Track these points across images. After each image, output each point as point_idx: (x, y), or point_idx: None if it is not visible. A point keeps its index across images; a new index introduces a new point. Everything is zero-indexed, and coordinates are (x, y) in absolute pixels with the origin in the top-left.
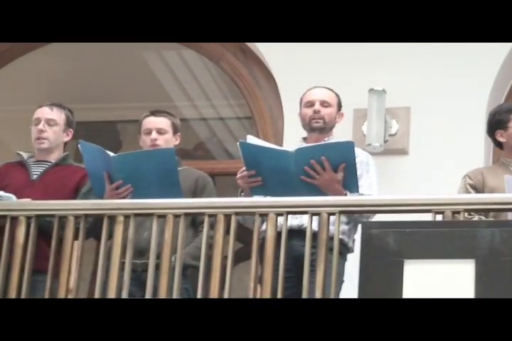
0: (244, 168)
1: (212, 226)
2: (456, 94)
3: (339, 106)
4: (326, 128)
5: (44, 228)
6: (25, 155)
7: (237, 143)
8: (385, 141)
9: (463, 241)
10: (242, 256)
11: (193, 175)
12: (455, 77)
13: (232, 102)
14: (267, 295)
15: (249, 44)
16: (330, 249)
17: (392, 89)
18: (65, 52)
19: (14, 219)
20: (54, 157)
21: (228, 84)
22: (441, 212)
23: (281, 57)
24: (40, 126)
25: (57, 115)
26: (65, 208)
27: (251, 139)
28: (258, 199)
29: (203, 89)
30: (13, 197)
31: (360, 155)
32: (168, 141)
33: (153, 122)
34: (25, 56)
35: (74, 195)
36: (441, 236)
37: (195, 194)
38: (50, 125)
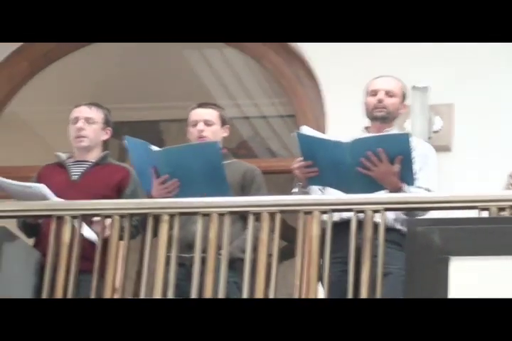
0: (300, 159)
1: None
2: (499, 91)
3: (404, 97)
4: (389, 118)
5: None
6: (63, 156)
7: (294, 133)
8: (429, 138)
9: (509, 237)
10: (286, 253)
11: (241, 169)
12: (499, 73)
13: (275, 100)
14: (312, 293)
15: (296, 49)
16: (391, 242)
17: (435, 85)
18: (108, 52)
19: (60, 219)
20: (93, 156)
21: (270, 83)
22: (487, 209)
23: (323, 55)
24: (79, 124)
25: (96, 113)
26: (110, 207)
27: (307, 130)
28: (302, 197)
29: (245, 88)
30: (41, 187)
31: (422, 147)
32: (216, 132)
33: (200, 114)
34: (68, 56)
35: (116, 194)
36: (487, 233)
37: (243, 187)
38: (89, 123)
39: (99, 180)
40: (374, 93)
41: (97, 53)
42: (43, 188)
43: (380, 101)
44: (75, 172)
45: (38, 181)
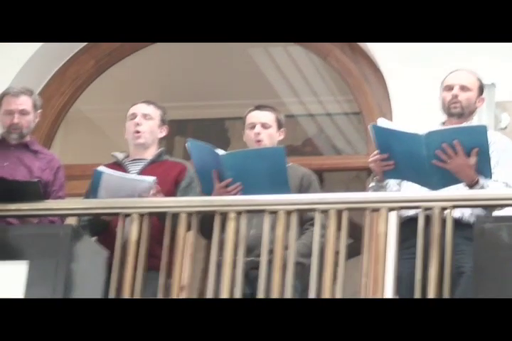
0: (376, 152)
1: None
2: None
3: (480, 90)
4: (465, 114)
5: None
6: (120, 155)
7: (369, 126)
8: (496, 129)
9: None
10: (351, 251)
11: (298, 173)
12: None
13: (340, 98)
14: (379, 291)
15: (360, 45)
16: (466, 238)
17: (502, 82)
18: (173, 51)
19: (127, 217)
20: (149, 154)
21: (336, 80)
22: None
23: (389, 52)
24: (137, 120)
25: (153, 110)
26: (177, 205)
27: (382, 122)
28: (370, 195)
29: (310, 85)
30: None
31: (500, 141)
32: (272, 135)
33: (257, 116)
34: (133, 55)
35: (174, 190)
36: None
37: (300, 191)
38: (146, 119)
39: (157, 176)
40: (448, 88)
41: (161, 52)
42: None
43: (454, 96)
44: (133, 170)
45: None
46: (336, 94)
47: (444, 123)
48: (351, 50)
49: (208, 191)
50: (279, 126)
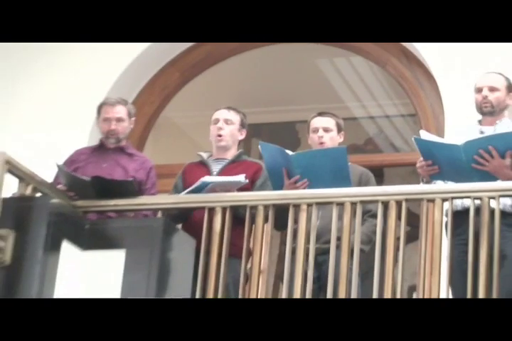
0: (421, 159)
1: (375, 215)
2: None
3: (509, 89)
4: (496, 111)
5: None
6: (204, 155)
7: (412, 138)
8: None
9: None
10: (410, 237)
11: (357, 171)
12: None
13: (397, 101)
14: (436, 271)
15: (411, 48)
16: (507, 225)
17: None
18: (248, 64)
19: (211, 210)
20: (230, 154)
21: (393, 86)
22: None
23: (441, 60)
24: (220, 124)
25: (234, 116)
26: (255, 199)
27: (424, 134)
28: (426, 187)
29: (370, 91)
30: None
31: None
32: (333, 138)
33: (320, 121)
34: (213, 67)
35: (251, 185)
36: None
37: (360, 186)
38: (228, 124)
39: (236, 174)
40: (479, 90)
41: (237, 65)
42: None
43: (484, 97)
44: (215, 168)
45: (183, 176)
46: (393, 98)
47: (480, 121)
48: (406, 58)
49: (277, 187)
50: (339, 129)
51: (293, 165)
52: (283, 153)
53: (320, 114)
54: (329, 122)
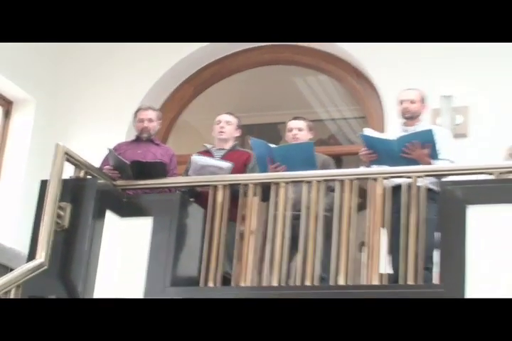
0: (364, 149)
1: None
2: (498, 96)
3: (423, 101)
4: (413, 117)
5: (234, 193)
6: (209, 145)
7: (359, 134)
8: (452, 129)
9: (507, 192)
10: (360, 207)
11: (321, 158)
12: (497, 87)
13: (351, 108)
14: (378, 231)
15: (361, 68)
16: (429, 198)
17: (457, 93)
18: (241, 81)
19: (215, 187)
20: (228, 145)
21: (348, 96)
22: (491, 173)
23: (383, 77)
24: (222, 124)
25: (232, 119)
26: (247, 179)
27: (368, 131)
28: (371, 169)
29: (331, 100)
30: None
31: (442, 132)
32: (305, 135)
33: (294, 123)
34: (217, 83)
35: (243, 168)
36: (493, 189)
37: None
38: (228, 124)
39: (233, 160)
40: (402, 102)
41: (238, 80)
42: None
43: (405, 108)
44: (217, 155)
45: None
46: (348, 105)
47: (403, 123)
48: (357, 75)
49: (264, 170)
50: (309, 129)
51: (274, 155)
52: (267, 146)
53: (295, 118)
54: (301, 124)
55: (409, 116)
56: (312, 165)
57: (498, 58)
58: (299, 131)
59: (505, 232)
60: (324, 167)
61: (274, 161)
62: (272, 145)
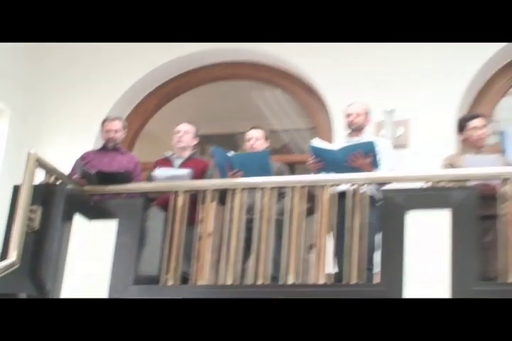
0: (312, 158)
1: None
2: (437, 111)
3: (367, 115)
4: (358, 129)
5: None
6: (169, 153)
7: (308, 145)
8: (394, 139)
9: (440, 198)
10: (309, 211)
11: (276, 166)
12: (436, 102)
13: (303, 120)
14: (326, 234)
15: (312, 84)
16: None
17: (399, 108)
18: (209, 92)
19: (176, 193)
20: (186, 153)
21: (300, 109)
22: (429, 182)
23: (332, 92)
24: (180, 133)
25: (190, 128)
26: (206, 185)
27: (315, 142)
28: (319, 176)
29: (285, 112)
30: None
31: (382, 144)
32: (262, 144)
33: (252, 133)
34: (183, 94)
35: (201, 175)
36: (429, 196)
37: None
38: (186, 133)
39: (191, 167)
40: (349, 115)
41: (199, 93)
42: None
43: (352, 120)
44: (176, 163)
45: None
46: (300, 117)
47: (349, 134)
48: (308, 91)
49: (224, 176)
50: (266, 138)
51: (233, 162)
52: (226, 154)
53: (253, 128)
54: (258, 133)
55: (355, 128)
56: (267, 172)
57: (436, 76)
58: (256, 141)
59: (440, 235)
60: (279, 174)
61: (233, 168)
62: (231, 153)
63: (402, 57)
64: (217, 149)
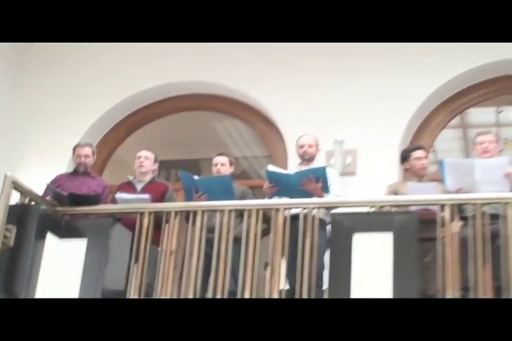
0: (267, 182)
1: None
2: (382, 142)
3: (317, 145)
4: (309, 159)
5: (157, 218)
6: (131, 177)
7: (264, 169)
8: (343, 167)
9: (384, 222)
10: (264, 232)
11: (240, 189)
12: (381, 134)
13: (260, 148)
14: (280, 253)
15: (269, 116)
16: (319, 226)
17: (348, 139)
18: (175, 121)
19: (142, 214)
20: (148, 177)
21: (258, 138)
22: (374, 206)
23: (287, 124)
24: (141, 159)
25: (150, 154)
26: (169, 207)
27: (271, 167)
28: (274, 200)
29: (244, 141)
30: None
31: (332, 172)
32: (227, 169)
33: (218, 159)
34: (150, 124)
35: (161, 198)
36: (373, 221)
37: (241, 199)
38: (147, 159)
39: (152, 190)
40: (301, 146)
41: (165, 122)
42: (147, 198)
43: (304, 151)
44: (138, 186)
45: (118, 191)
46: (258, 145)
47: (300, 163)
48: (266, 122)
49: (190, 199)
50: (231, 163)
51: (198, 186)
52: (192, 178)
53: (219, 154)
54: (224, 159)
55: (308, 158)
56: (230, 195)
57: (383, 111)
58: (222, 166)
59: (384, 256)
60: (243, 196)
61: (198, 191)
62: (196, 177)
63: (351, 93)
64: (184, 173)
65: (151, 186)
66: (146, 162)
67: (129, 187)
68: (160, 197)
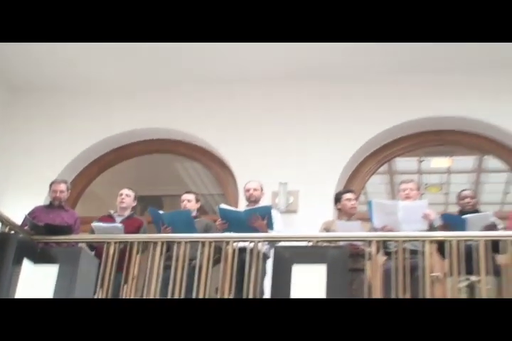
0: (220, 219)
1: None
2: (320, 184)
3: (262, 189)
4: (255, 201)
5: (123, 248)
6: (112, 211)
7: (217, 207)
8: (286, 206)
9: (321, 255)
10: (216, 261)
11: (204, 222)
12: (319, 178)
13: (215, 187)
14: (229, 278)
15: (223, 159)
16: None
17: (290, 181)
18: (143, 161)
19: (109, 243)
20: (127, 212)
21: (213, 178)
22: (311, 241)
23: (240, 165)
24: (123, 196)
25: (131, 192)
26: (132, 238)
27: (223, 205)
28: (225, 234)
29: (202, 180)
30: (121, 226)
31: (275, 212)
32: (193, 205)
33: (185, 196)
34: (121, 163)
35: (137, 231)
36: (311, 254)
37: (206, 231)
38: (127, 196)
39: (130, 224)
40: (248, 190)
41: (134, 162)
42: (121, 227)
43: (251, 194)
44: (118, 220)
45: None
46: (213, 184)
47: (247, 205)
48: (220, 164)
49: (159, 231)
50: (197, 200)
51: (164, 219)
52: (158, 213)
53: (187, 192)
54: (191, 196)
55: (254, 200)
56: (191, 227)
57: (321, 158)
58: (188, 202)
59: (319, 284)
60: (207, 229)
61: (164, 224)
62: (162, 212)
63: (295, 144)
64: (153, 209)
65: (128, 220)
66: (127, 199)
67: (108, 219)
68: (136, 230)
